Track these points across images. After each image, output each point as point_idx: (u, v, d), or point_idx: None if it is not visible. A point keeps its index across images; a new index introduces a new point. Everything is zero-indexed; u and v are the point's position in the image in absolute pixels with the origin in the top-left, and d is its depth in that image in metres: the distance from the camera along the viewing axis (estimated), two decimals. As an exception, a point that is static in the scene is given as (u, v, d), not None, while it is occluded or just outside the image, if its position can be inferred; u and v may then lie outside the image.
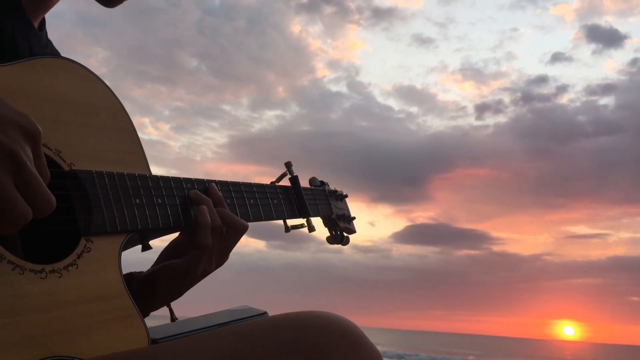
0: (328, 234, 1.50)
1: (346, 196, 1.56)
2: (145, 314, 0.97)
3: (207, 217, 0.96)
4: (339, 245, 1.54)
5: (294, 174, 1.31)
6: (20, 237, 0.80)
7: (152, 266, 1.06)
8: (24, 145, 0.63)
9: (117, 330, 0.82)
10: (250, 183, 1.19)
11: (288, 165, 1.32)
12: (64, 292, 0.77)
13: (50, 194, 0.65)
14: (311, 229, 1.32)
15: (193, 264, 0.96)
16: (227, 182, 1.12)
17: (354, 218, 1.57)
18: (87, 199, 0.84)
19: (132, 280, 1.00)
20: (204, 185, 1.05)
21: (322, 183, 1.49)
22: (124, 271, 0.87)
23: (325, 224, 1.48)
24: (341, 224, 1.49)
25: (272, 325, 0.79)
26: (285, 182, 1.31)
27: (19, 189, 0.62)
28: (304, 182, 1.38)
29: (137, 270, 1.03)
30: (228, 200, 1.10)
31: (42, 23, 1.07)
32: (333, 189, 1.51)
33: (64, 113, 0.86)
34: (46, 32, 1.09)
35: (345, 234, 1.52)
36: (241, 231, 1.02)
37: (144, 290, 0.98)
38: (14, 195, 0.61)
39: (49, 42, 1.09)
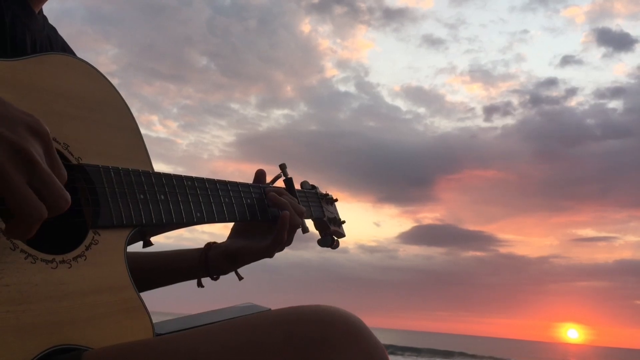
0: (319, 237, 1.52)
1: (336, 200, 1.59)
2: (216, 278, 1.25)
3: (287, 221, 1.19)
4: (329, 248, 1.56)
5: (289, 176, 1.34)
6: None
7: (227, 239, 1.29)
8: (34, 143, 0.63)
9: (124, 322, 0.83)
10: (247, 183, 1.22)
11: (282, 167, 1.34)
12: (74, 282, 0.78)
13: (64, 190, 0.64)
14: (305, 230, 1.34)
15: (272, 249, 1.22)
16: (225, 181, 1.15)
17: (344, 222, 1.60)
18: (94, 193, 0.85)
19: (209, 248, 1.24)
20: (204, 184, 1.07)
21: (313, 187, 1.52)
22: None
23: (317, 226, 1.51)
24: (332, 227, 1.52)
25: (277, 318, 0.80)
26: (280, 183, 1.34)
27: (33, 187, 0.61)
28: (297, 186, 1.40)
29: (212, 241, 1.27)
30: (226, 199, 1.12)
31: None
32: (324, 192, 1.54)
33: (72, 108, 0.88)
34: (43, 15, 1.10)
35: (335, 238, 1.55)
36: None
37: (222, 260, 1.23)
38: (28, 194, 0.60)
39: (46, 25, 1.10)
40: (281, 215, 1.20)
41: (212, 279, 1.25)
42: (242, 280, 1.27)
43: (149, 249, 1.04)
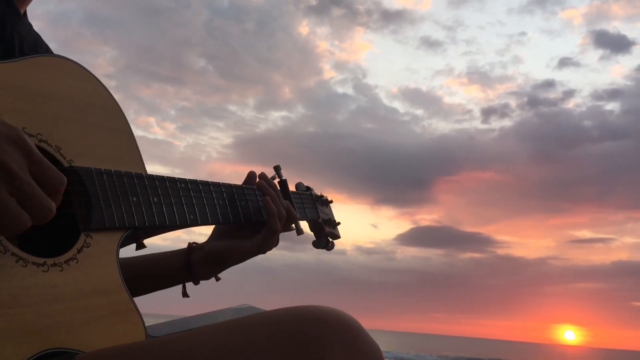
0: (314, 239, 1.52)
1: (331, 202, 1.59)
2: (198, 282, 1.18)
3: (272, 205, 1.15)
4: (324, 250, 1.56)
5: (283, 178, 1.34)
6: None
7: (210, 241, 1.21)
8: (12, 153, 0.62)
9: (116, 324, 0.83)
10: (241, 185, 1.21)
11: (277, 168, 1.34)
12: (66, 285, 0.78)
13: (47, 199, 0.64)
14: (299, 232, 1.34)
15: (263, 245, 1.16)
16: (218, 183, 1.14)
17: (338, 223, 1.60)
18: (86, 195, 0.85)
19: (191, 250, 1.19)
20: (197, 186, 1.07)
21: (308, 188, 1.52)
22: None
23: (312, 228, 1.50)
24: (327, 229, 1.51)
25: (273, 319, 0.80)
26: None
27: (16, 198, 0.62)
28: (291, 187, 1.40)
29: (192, 241, 1.21)
30: (220, 201, 1.12)
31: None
32: (319, 194, 1.53)
33: (64, 111, 0.88)
34: (27, 18, 1.10)
35: (330, 239, 1.54)
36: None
37: (206, 263, 1.17)
38: (9, 203, 0.61)
39: (32, 28, 1.10)
40: (264, 199, 1.16)
41: (194, 283, 1.19)
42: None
43: (141, 252, 1.04)
